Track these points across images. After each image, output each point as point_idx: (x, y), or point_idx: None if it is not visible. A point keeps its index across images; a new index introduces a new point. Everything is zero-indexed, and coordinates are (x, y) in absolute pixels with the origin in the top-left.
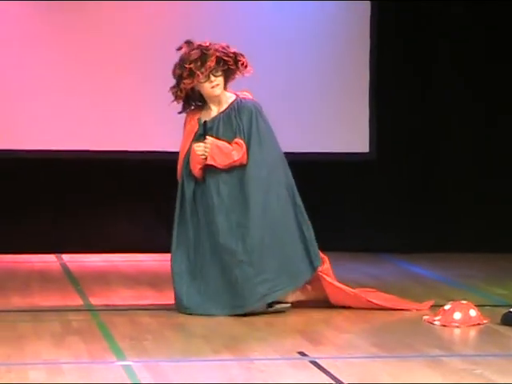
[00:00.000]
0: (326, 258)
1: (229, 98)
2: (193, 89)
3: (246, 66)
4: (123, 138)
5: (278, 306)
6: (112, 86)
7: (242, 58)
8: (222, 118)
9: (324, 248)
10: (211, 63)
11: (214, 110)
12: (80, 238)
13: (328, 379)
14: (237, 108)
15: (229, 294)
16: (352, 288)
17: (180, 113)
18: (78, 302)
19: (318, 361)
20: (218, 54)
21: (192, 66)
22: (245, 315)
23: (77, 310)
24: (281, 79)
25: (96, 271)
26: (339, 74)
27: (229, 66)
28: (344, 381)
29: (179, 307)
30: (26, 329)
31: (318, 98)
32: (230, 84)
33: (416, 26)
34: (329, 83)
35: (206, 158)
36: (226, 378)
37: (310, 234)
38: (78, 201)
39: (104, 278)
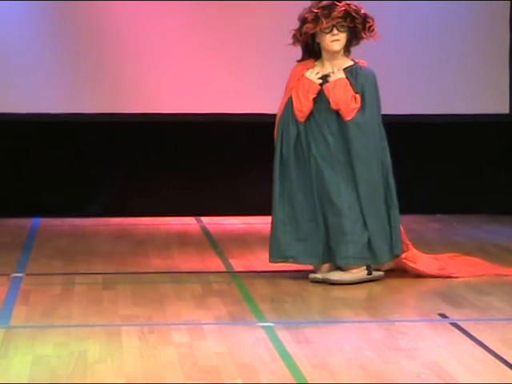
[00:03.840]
0: (410, 245)
1: (346, 62)
2: (313, 40)
3: (372, 30)
4: (258, 100)
5: (376, 274)
6: (244, 54)
7: (370, 21)
8: None
9: (464, 211)
10: (338, 14)
11: (328, 70)
12: (219, 201)
13: (470, 341)
14: (355, 73)
15: (323, 245)
16: (448, 253)
17: (299, 61)
18: (217, 263)
19: (459, 323)
20: (347, 8)
21: (319, 11)
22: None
23: (217, 272)
24: (421, 42)
25: (235, 233)
26: (479, 35)
27: (356, 24)
28: (486, 343)
29: (279, 256)
30: (167, 290)
31: (458, 60)
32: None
33: None
34: (468, 44)
35: (321, 85)
36: (365, 339)
37: (396, 219)
38: (216, 163)
39: (243, 241)
